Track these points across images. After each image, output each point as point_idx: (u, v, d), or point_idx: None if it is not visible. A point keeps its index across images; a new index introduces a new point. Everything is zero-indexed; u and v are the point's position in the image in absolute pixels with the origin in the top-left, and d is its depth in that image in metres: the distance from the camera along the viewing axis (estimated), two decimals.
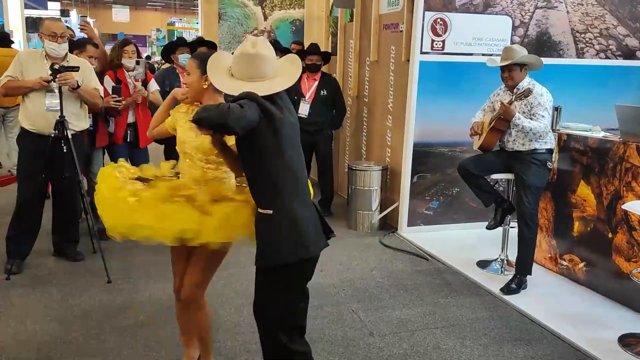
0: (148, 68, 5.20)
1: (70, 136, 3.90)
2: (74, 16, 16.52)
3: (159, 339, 3.15)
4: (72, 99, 3.95)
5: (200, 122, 1.99)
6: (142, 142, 4.90)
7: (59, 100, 3.84)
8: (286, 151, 2.15)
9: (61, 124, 3.85)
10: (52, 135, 3.86)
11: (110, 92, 4.55)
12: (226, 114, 1.91)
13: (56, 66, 3.78)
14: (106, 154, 4.92)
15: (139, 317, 3.37)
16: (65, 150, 3.87)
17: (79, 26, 4.89)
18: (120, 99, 4.48)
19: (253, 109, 2.00)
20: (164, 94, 5.28)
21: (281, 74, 2.22)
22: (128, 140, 4.80)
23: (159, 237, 2.34)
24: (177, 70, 5.48)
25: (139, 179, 2.55)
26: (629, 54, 5.46)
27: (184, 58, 5.46)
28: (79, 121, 4.06)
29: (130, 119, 4.79)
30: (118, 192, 2.41)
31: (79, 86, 3.88)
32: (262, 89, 2.10)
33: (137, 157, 4.97)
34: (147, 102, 4.92)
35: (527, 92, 3.71)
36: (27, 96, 3.92)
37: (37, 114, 3.89)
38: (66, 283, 3.88)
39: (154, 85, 4.96)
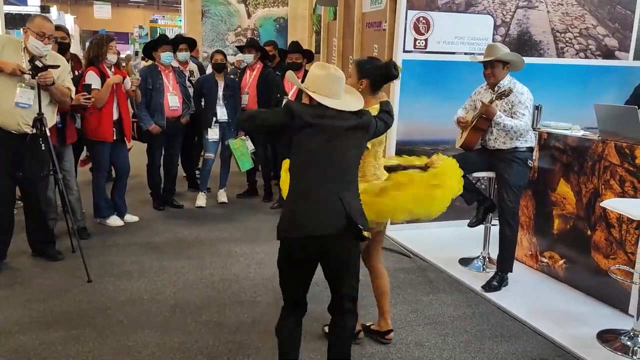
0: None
1: (49, 133, 3.84)
2: (54, 13, 16.24)
3: (140, 339, 3.12)
4: (42, 96, 3.85)
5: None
6: (128, 138, 4.95)
7: (32, 97, 3.77)
8: (299, 149, 2.48)
9: (39, 121, 3.79)
10: (32, 132, 3.80)
11: (93, 88, 4.51)
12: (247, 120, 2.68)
13: (39, 64, 3.70)
14: (84, 151, 4.89)
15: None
16: (43, 148, 3.81)
17: None
18: (90, 96, 4.43)
19: (274, 116, 2.56)
20: (145, 91, 5.27)
21: (348, 92, 2.62)
22: (114, 137, 4.79)
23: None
24: (159, 68, 5.44)
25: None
26: (608, 53, 5.54)
27: (166, 57, 5.43)
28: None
29: (115, 115, 4.77)
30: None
31: (53, 83, 3.82)
32: (341, 105, 2.49)
33: (117, 154, 4.96)
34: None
35: (508, 92, 3.75)
36: None
37: (2, 109, 3.76)
38: (45, 283, 3.83)
39: (129, 83, 4.95)
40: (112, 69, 4.78)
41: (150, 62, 5.62)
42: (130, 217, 5.23)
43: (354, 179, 2.56)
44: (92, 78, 4.56)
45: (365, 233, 2.46)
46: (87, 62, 4.73)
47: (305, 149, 2.46)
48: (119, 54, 4.93)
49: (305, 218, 2.42)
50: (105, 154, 4.82)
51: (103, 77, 4.65)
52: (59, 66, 3.83)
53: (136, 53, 5.47)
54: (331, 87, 2.51)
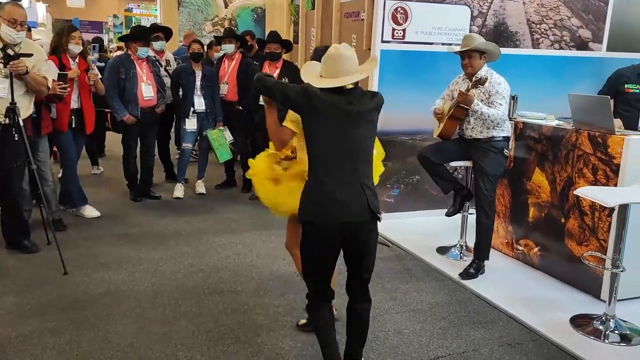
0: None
1: (22, 123, 3.77)
2: (25, 1, 15.85)
3: (118, 331, 3.10)
4: (16, 86, 3.77)
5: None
6: (88, 128, 4.82)
7: (6, 86, 3.70)
8: (320, 134, 2.47)
9: (12, 110, 3.71)
10: (4, 122, 3.73)
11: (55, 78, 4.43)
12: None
13: (10, 52, 3.63)
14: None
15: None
16: (16, 139, 3.74)
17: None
18: (66, 85, 4.36)
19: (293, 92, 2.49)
20: (118, 81, 5.20)
21: (360, 70, 2.54)
22: (72, 126, 4.70)
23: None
24: (132, 57, 5.37)
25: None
26: (582, 45, 5.63)
27: (143, 51, 5.38)
28: (21, 109, 3.88)
29: (74, 105, 4.68)
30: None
31: (27, 72, 3.74)
32: (334, 83, 2.45)
33: (81, 143, 4.88)
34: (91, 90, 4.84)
35: (483, 80, 3.79)
36: None
37: None
38: (21, 275, 3.77)
39: (96, 70, 4.88)
40: (77, 59, 4.69)
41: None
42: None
43: (370, 160, 2.60)
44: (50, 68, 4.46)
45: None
46: (50, 51, 4.64)
47: (326, 135, 2.46)
48: (84, 43, 4.82)
49: (334, 206, 2.42)
50: (70, 142, 4.72)
51: (64, 67, 4.55)
52: (32, 54, 3.75)
53: (94, 47, 5.36)
54: (342, 67, 2.47)
